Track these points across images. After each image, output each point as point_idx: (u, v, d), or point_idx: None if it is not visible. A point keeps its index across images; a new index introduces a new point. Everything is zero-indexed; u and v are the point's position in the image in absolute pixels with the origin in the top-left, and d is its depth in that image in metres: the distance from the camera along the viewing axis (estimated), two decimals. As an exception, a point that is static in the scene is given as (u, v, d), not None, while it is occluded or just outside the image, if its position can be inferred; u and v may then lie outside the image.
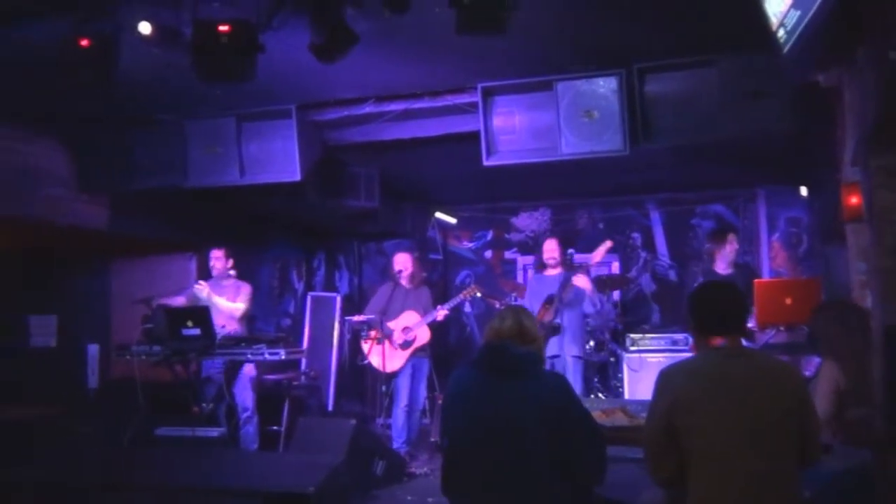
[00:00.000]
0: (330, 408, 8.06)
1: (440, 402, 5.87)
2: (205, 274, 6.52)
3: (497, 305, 6.73)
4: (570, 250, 6.38)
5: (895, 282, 2.95)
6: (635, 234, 8.83)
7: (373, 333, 6.41)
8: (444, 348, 8.60)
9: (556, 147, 5.03)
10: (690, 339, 3.99)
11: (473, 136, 5.26)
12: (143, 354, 5.71)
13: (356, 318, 6.87)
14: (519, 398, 2.79)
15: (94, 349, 7.35)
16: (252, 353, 5.66)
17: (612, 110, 4.87)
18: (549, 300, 5.94)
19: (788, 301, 5.09)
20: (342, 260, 9.72)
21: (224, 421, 5.92)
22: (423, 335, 6.41)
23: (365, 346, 6.51)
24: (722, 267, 5.98)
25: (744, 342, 2.73)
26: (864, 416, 3.26)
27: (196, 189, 5.90)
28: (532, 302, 6.14)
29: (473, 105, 5.22)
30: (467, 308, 8.97)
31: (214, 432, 5.51)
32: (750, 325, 5.18)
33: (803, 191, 7.75)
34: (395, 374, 6.38)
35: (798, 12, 2.84)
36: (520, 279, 9.13)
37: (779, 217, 8.21)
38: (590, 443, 2.83)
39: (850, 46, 3.29)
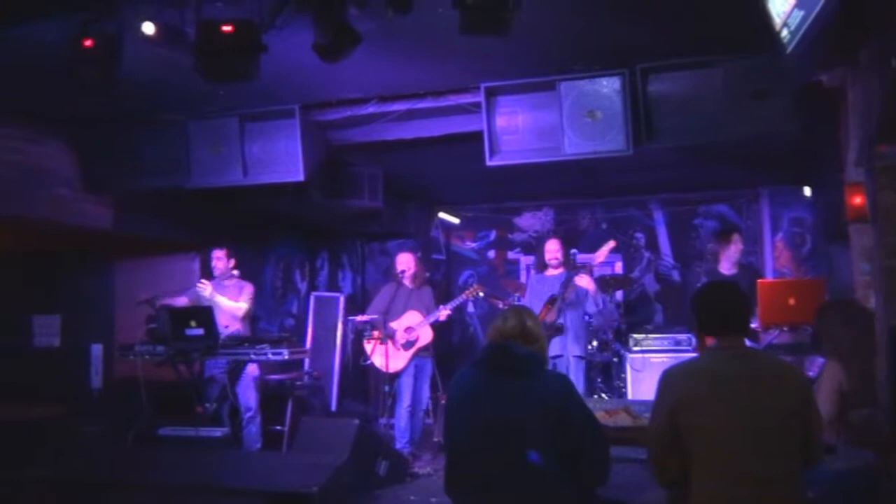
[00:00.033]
0: (333, 408, 8.05)
1: (443, 402, 5.87)
2: (208, 274, 6.52)
3: (500, 305, 6.72)
4: (574, 250, 6.37)
5: (899, 282, 2.95)
6: (639, 235, 8.81)
7: (376, 333, 6.40)
8: (447, 348, 8.59)
9: (559, 147, 5.03)
10: (694, 340, 3.99)
11: (476, 137, 5.26)
12: (146, 354, 5.72)
13: (359, 318, 6.84)
14: (522, 398, 2.79)
15: (97, 349, 7.36)
16: (255, 353, 5.66)
17: (615, 110, 4.87)
18: (551, 300, 5.94)
19: (792, 301, 5.07)
20: (345, 260, 9.71)
21: (227, 421, 5.91)
22: (425, 335, 6.40)
23: (368, 347, 6.51)
24: (726, 267, 5.96)
25: (747, 342, 2.73)
26: (868, 416, 3.25)
27: (199, 189, 5.91)
28: (533, 302, 6.12)
29: (477, 105, 5.22)
30: (470, 308, 8.96)
31: (218, 432, 5.52)
32: (753, 325, 5.17)
33: (807, 191, 7.73)
34: (398, 375, 6.37)
35: (802, 12, 2.84)
36: (523, 279, 9.09)
37: (782, 217, 8.19)
38: (593, 443, 2.83)
39: (853, 47, 3.28)
